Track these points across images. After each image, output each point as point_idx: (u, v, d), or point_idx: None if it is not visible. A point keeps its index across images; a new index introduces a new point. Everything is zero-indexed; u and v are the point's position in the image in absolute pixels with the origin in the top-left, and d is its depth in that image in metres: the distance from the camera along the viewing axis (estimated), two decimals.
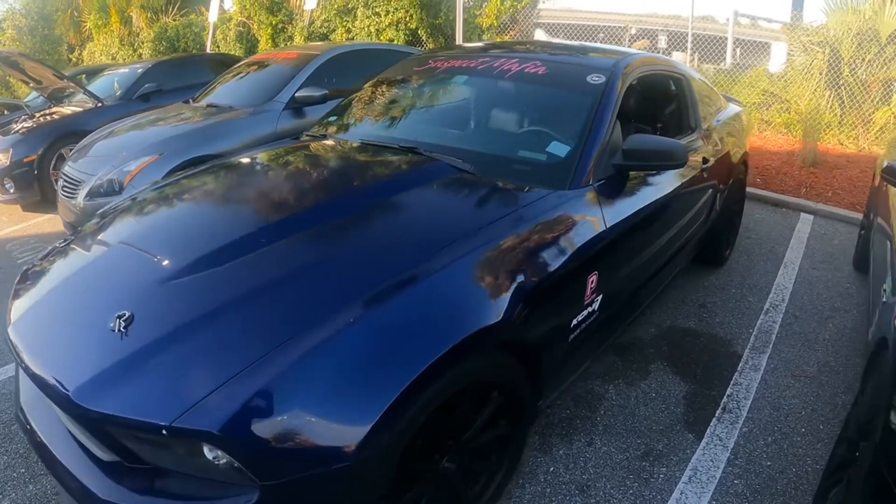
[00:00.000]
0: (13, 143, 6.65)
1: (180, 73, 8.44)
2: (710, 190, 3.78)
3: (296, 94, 5.42)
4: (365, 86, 3.69)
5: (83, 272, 2.19)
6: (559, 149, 2.63)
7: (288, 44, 12.05)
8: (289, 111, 5.40)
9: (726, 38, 10.75)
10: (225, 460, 1.53)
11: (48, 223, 6.36)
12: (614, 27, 13.63)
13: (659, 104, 3.90)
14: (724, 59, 10.61)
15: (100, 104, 7.50)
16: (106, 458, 1.73)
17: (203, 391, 1.52)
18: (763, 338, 3.65)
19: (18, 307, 2.11)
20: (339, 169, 2.84)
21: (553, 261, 2.20)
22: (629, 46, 14.54)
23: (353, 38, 10.96)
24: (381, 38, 10.42)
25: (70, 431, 1.88)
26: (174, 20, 14.82)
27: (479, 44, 5.27)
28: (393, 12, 10.23)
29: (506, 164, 2.67)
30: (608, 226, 2.47)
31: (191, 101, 6.24)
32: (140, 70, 8.24)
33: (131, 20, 15.37)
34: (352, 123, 3.37)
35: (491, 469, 2.25)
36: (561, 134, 2.72)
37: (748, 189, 6.45)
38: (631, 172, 2.73)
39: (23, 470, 2.65)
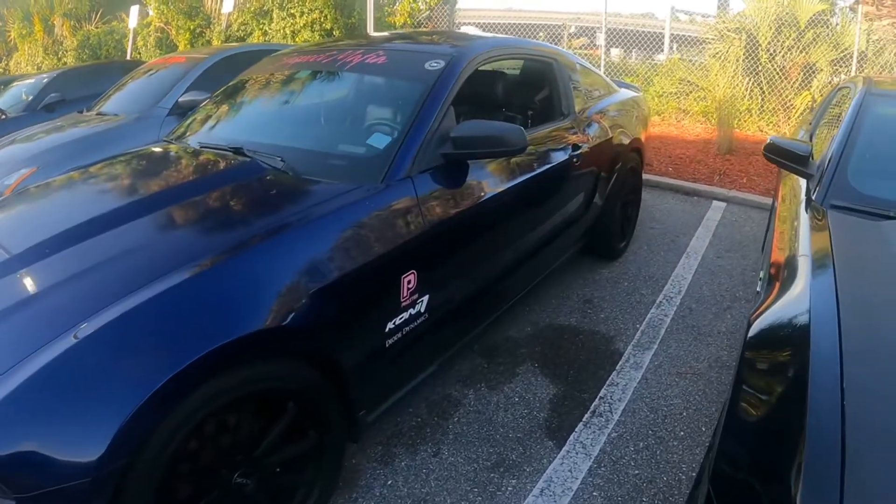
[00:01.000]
0: None
1: (87, 82, 8.07)
2: (587, 178, 3.62)
3: (179, 100, 5.22)
4: (223, 88, 3.51)
5: None
6: (380, 140, 2.45)
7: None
8: (173, 117, 5.15)
9: (664, 34, 10.80)
10: None
11: None
12: (554, 26, 13.69)
13: (528, 91, 3.74)
14: (662, 54, 10.66)
15: (3, 116, 7.17)
16: None
17: None
18: (651, 333, 3.48)
19: None
20: (160, 173, 2.68)
21: (352, 260, 2.02)
22: (567, 44, 14.63)
23: (269, 41, 10.82)
24: (297, 39, 10.28)
25: None
26: (97, 28, 14.51)
27: (350, 38, 5.11)
28: (308, 13, 10.13)
29: (323, 159, 2.48)
30: (429, 221, 2.28)
31: (85, 110, 5.99)
32: (45, 80, 7.94)
33: (55, 28, 14.98)
34: (199, 126, 3.18)
35: (306, 484, 2.07)
36: (387, 124, 2.55)
37: (659, 179, 6.39)
38: (473, 161, 2.57)
39: None
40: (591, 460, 2.52)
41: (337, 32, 10.08)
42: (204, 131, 3.09)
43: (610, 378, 3.05)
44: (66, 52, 14.57)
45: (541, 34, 12.86)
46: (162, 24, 12.35)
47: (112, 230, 2.04)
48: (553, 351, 3.28)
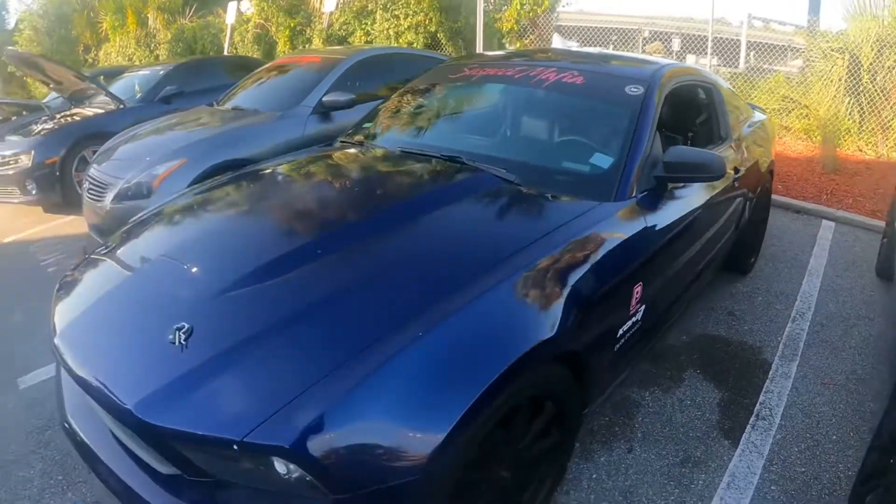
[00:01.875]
0: (35, 144, 6.58)
1: (200, 75, 8.37)
2: (741, 199, 3.81)
3: (323, 99, 5.35)
4: (399, 92, 3.70)
5: (128, 284, 2.16)
6: (602, 160, 2.66)
7: (306, 46, 12.01)
8: (316, 116, 5.36)
9: (739, 41, 10.74)
10: (297, 474, 1.53)
11: (69, 225, 6.34)
12: (627, 29, 13.67)
13: (690, 114, 3.92)
14: (738, 62, 10.60)
15: (122, 106, 7.42)
16: (165, 471, 1.72)
17: (275, 406, 1.52)
18: (792, 346, 3.69)
19: (63, 316, 2.09)
20: (384, 179, 2.83)
21: (603, 272, 2.23)
22: (642, 48, 14.62)
23: (371, 41, 10.94)
24: (401, 41, 10.40)
25: (122, 443, 1.86)
26: (191, 22, 14.86)
27: (512, 51, 5.25)
28: (412, 15, 10.17)
29: (550, 175, 2.69)
30: (651, 237, 2.51)
31: (215, 104, 6.16)
32: (161, 72, 8.18)
33: (148, 21, 15.43)
34: (389, 130, 3.37)
35: (540, 476, 2.25)
36: (602, 145, 2.76)
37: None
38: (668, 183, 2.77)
39: (60, 477, 2.65)
40: (764, 458, 2.76)
41: (441, 36, 10.19)
42: (394, 136, 3.26)
43: (765, 385, 3.28)
44: (159, 44, 14.93)
45: (613, 37, 12.87)
46: (261, 21, 12.58)
47: (369, 239, 2.15)
48: (709, 359, 3.51)
